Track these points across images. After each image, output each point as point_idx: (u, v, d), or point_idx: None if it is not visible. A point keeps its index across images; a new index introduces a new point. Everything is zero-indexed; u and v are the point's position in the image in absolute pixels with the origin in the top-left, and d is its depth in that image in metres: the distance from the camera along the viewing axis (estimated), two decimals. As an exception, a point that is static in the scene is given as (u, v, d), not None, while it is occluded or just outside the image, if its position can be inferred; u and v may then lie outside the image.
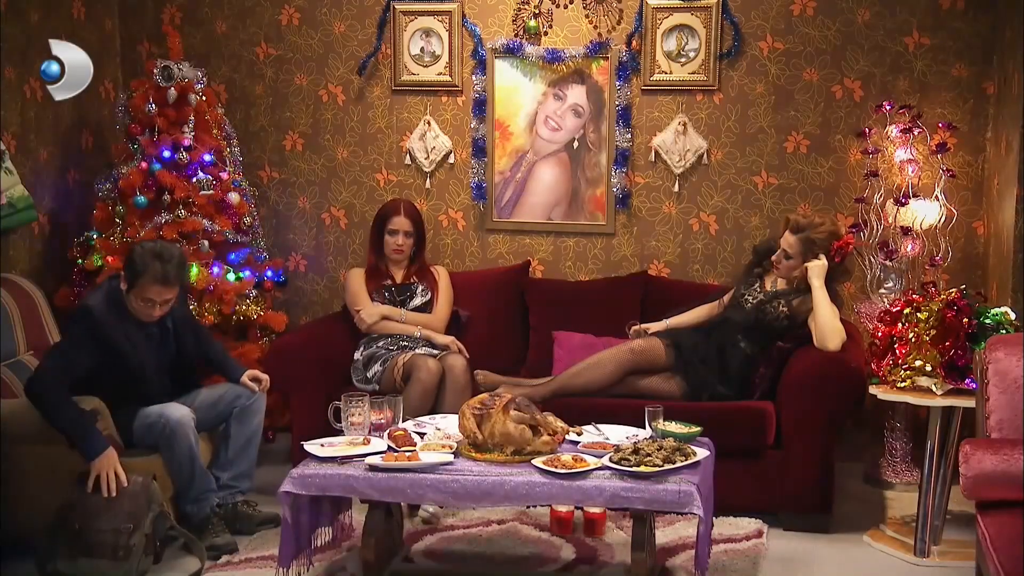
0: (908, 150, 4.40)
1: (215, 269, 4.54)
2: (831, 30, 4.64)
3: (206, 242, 4.53)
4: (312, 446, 3.32)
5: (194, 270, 4.43)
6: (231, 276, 4.59)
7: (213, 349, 4.05)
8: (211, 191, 4.57)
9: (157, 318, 3.70)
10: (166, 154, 4.50)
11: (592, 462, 3.18)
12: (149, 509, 3.45)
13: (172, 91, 4.53)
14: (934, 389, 3.65)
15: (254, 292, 4.69)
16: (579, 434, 3.44)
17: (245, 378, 3.92)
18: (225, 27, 5.13)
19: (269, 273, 4.84)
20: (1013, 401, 3.02)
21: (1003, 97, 4.34)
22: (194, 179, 4.54)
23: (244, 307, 4.60)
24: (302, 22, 5.08)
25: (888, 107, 4.46)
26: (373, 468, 3.19)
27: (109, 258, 4.42)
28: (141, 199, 4.46)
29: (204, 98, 4.68)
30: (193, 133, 4.59)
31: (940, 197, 4.38)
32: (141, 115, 4.56)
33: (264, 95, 5.16)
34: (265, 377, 3.95)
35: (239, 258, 4.70)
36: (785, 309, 4.15)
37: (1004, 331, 3.56)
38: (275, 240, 5.15)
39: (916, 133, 4.39)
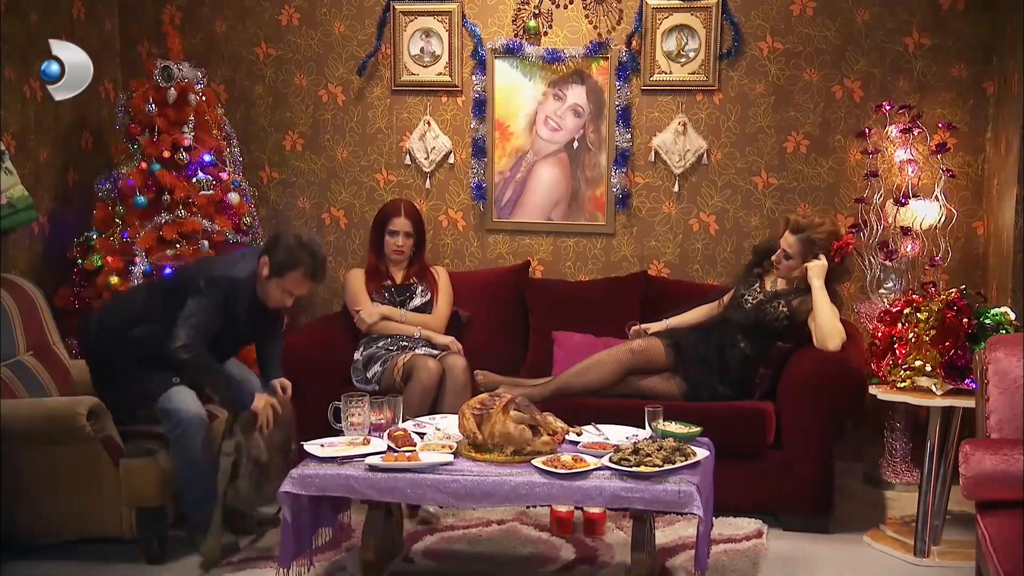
0: (908, 150, 4.40)
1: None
2: (831, 30, 4.64)
3: (206, 242, 4.53)
4: (312, 446, 3.32)
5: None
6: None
7: (276, 342, 4.06)
8: (211, 191, 4.57)
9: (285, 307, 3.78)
10: (166, 154, 4.50)
11: (592, 462, 3.19)
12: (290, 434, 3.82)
13: (172, 91, 4.53)
14: (934, 389, 3.65)
15: (254, 292, 4.68)
16: (579, 434, 3.44)
17: (276, 383, 3.94)
18: (225, 27, 5.13)
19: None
20: (1013, 401, 3.02)
21: (1003, 97, 4.35)
22: (194, 179, 4.54)
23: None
24: (302, 22, 5.08)
25: (888, 107, 4.46)
26: (373, 468, 3.19)
27: (109, 258, 4.42)
28: (141, 199, 4.47)
29: (204, 98, 4.68)
30: (193, 133, 4.59)
31: (940, 197, 4.38)
32: (141, 115, 4.56)
33: (264, 95, 5.16)
34: (289, 385, 3.96)
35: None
36: (785, 309, 4.15)
37: (1004, 331, 3.56)
38: (275, 240, 5.14)
39: (916, 133, 4.39)
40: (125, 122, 4.66)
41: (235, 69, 5.15)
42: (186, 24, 5.10)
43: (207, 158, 4.60)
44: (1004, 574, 2.43)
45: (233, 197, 4.65)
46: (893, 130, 4.44)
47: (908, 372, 3.72)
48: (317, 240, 3.83)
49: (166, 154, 4.51)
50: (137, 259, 4.40)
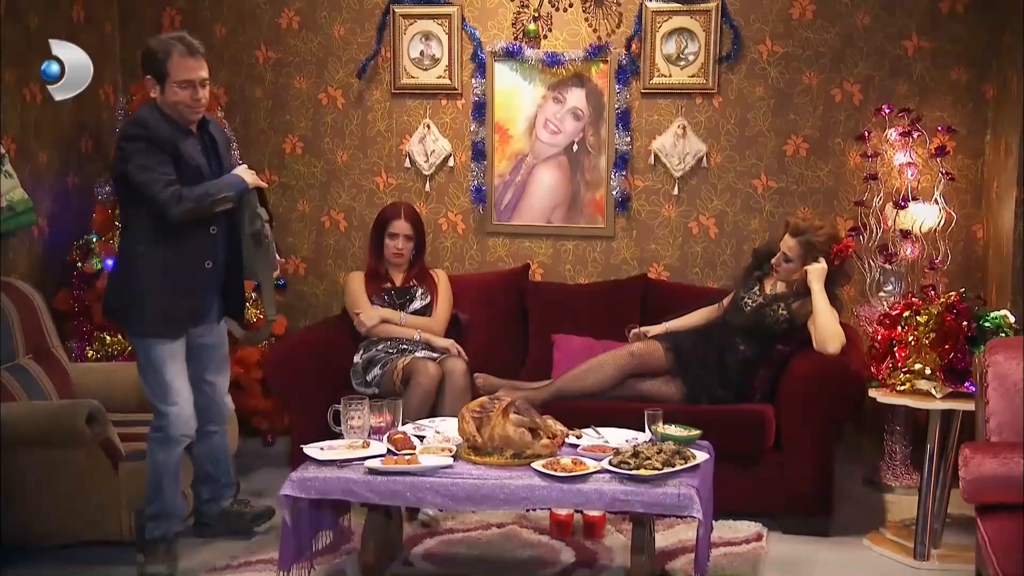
0: (907, 153, 4.41)
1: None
2: (830, 33, 4.64)
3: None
4: (311, 449, 3.32)
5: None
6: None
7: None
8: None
9: (202, 106, 3.53)
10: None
11: (592, 465, 3.18)
12: None
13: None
14: (934, 392, 3.65)
15: (253, 295, 4.68)
16: (579, 437, 3.44)
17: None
18: (224, 30, 5.14)
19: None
20: (1013, 404, 3.02)
21: (1002, 100, 4.35)
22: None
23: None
24: (302, 25, 5.09)
25: (887, 110, 4.47)
26: (372, 471, 3.19)
27: (108, 260, 4.42)
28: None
29: (204, 101, 4.68)
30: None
31: (939, 200, 4.38)
32: (141, 118, 4.56)
33: (264, 98, 5.16)
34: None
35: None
36: (785, 312, 4.15)
37: (1004, 334, 3.57)
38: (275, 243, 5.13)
39: (915, 136, 4.40)
40: (125, 125, 4.67)
41: (235, 72, 5.16)
42: (186, 27, 5.08)
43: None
44: (1004, 577, 2.43)
45: (233, 200, 4.64)
46: (892, 133, 4.45)
47: (908, 375, 3.72)
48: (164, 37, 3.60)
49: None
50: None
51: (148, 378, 3.56)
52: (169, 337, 3.55)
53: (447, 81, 4.99)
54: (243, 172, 3.63)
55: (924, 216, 4.36)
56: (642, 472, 3.10)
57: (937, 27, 4.54)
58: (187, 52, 3.44)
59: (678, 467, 3.14)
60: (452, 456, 3.28)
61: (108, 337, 4.38)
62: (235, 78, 5.15)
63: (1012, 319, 3.65)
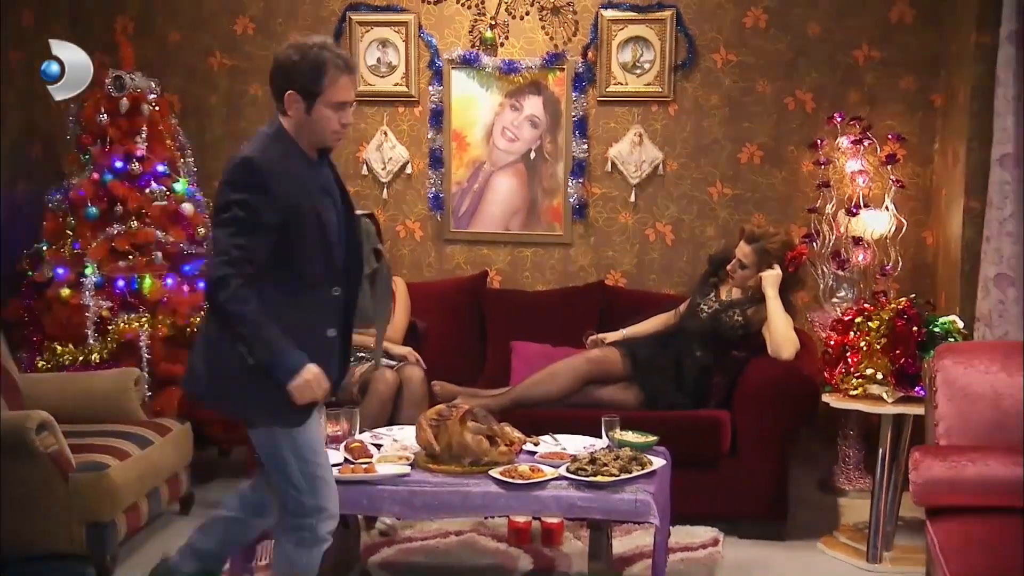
0: (859, 161, 4.47)
1: (169, 281, 4.49)
2: (783, 43, 4.70)
3: (160, 253, 4.49)
4: (267, 459, 3.28)
5: (147, 282, 4.39)
6: (186, 288, 4.54)
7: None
8: (164, 202, 4.53)
9: (343, 134, 2.85)
10: (118, 165, 4.46)
11: (549, 472, 3.18)
12: None
13: (124, 101, 4.49)
14: (885, 397, 3.70)
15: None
16: (536, 444, 3.44)
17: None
18: (179, 37, 5.09)
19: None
20: (961, 409, 3.06)
21: (950, 109, 4.43)
22: (147, 190, 4.50)
23: (199, 319, 4.55)
24: (257, 32, 5.06)
25: (839, 119, 4.53)
26: (329, 481, 3.16)
27: (60, 269, 4.36)
28: (92, 210, 4.42)
29: (157, 108, 4.64)
30: (146, 143, 4.55)
31: (890, 207, 4.45)
32: (93, 125, 4.51)
33: (219, 105, 5.13)
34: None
35: (194, 269, 4.65)
36: (740, 318, 4.19)
37: (952, 339, 3.63)
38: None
39: (866, 144, 4.46)
40: (76, 132, 4.61)
41: (189, 79, 5.11)
42: (139, 34, 5.06)
43: (160, 168, 4.56)
44: (952, 579, 2.47)
45: (187, 208, 4.60)
46: (844, 141, 4.51)
47: (860, 380, 3.77)
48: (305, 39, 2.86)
49: (118, 164, 4.46)
50: (88, 270, 4.34)
51: (283, 470, 2.82)
52: (299, 423, 2.79)
53: (404, 88, 4.99)
54: (309, 372, 2.71)
55: (875, 223, 4.43)
56: (599, 479, 3.11)
57: (886, 37, 4.61)
58: (345, 68, 2.76)
59: (635, 473, 3.15)
60: (410, 464, 3.27)
61: (59, 347, 4.32)
62: (189, 85, 5.11)
63: (960, 324, 3.72)
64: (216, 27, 5.09)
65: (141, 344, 4.31)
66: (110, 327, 4.33)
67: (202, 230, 4.70)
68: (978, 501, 2.80)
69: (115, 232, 4.43)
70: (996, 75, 3.71)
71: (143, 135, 4.55)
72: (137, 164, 4.49)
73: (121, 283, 4.38)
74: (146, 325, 4.35)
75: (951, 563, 2.53)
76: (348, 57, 2.81)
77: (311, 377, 2.69)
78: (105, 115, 4.48)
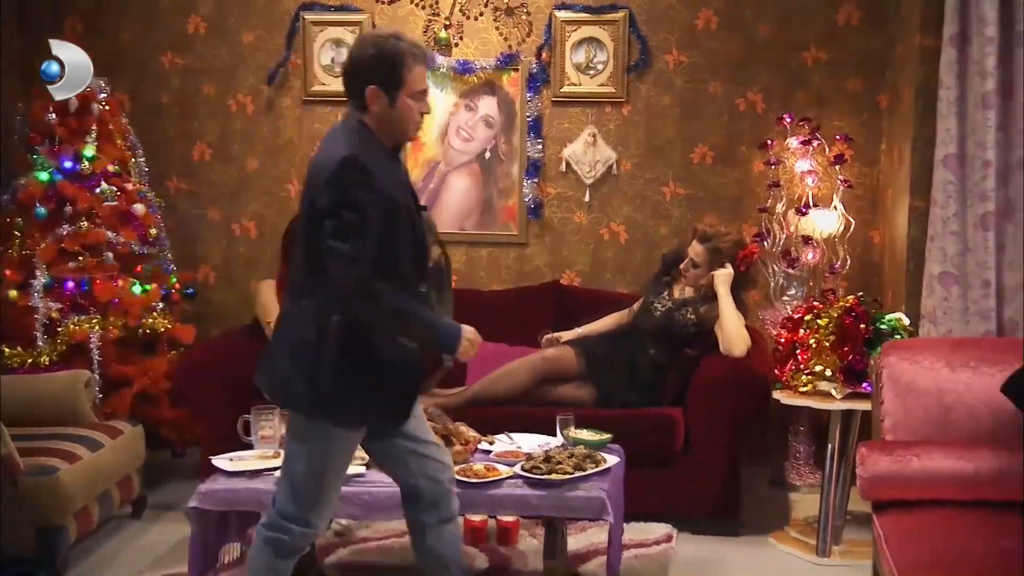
0: (808, 161, 4.52)
1: (120, 282, 4.44)
2: (733, 44, 4.75)
3: (110, 254, 4.44)
4: (220, 461, 3.27)
5: (98, 283, 4.34)
6: (137, 288, 4.49)
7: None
8: (115, 202, 4.48)
9: (421, 124, 2.81)
10: (67, 164, 4.40)
11: (504, 471, 3.20)
12: None
13: (73, 100, 4.42)
14: (834, 393, 3.76)
15: (161, 305, 4.60)
16: (491, 443, 3.46)
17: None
18: (129, 36, 5.03)
19: (177, 285, 4.76)
20: (906, 404, 3.12)
21: (895, 110, 4.51)
22: (97, 190, 4.44)
23: (151, 320, 4.51)
24: (209, 31, 5.01)
25: (788, 119, 4.59)
26: (283, 482, 3.15)
27: (7, 271, 4.29)
28: (41, 210, 4.36)
29: (107, 108, 4.58)
30: (96, 143, 4.49)
31: (838, 207, 4.51)
32: (41, 125, 4.45)
33: (170, 105, 5.08)
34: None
35: (145, 270, 4.61)
36: (693, 317, 4.23)
37: (899, 336, 3.69)
38: (183, 252, 5.06)
39: (815, 145, 4.52)
40: (24, 132, 4.54)
41: (140, 78, 5.05)
42: (89, 33, 4.98)
43: (111, 168, 4.51)
44: (897, 570, 2.51)
45: (139, 208, 4.56)
46: (794, 142, 4.56)
47: (809, 377, 3.83)
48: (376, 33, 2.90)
49: (68, 164, 4.41)
50: (38, 272, 4.28)
51: (303, 473, 2.76)
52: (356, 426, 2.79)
53: (359, 88, 4.97)
54: (467, 332, 2.79)
55: (824, 222, 4.48)
56: (554, 477, 3.13)
57: (834, 39, 4.68)
58: (421, 58, 2.72)
59: (589, 471, 3.17)
60: (365, 465, 3.26)
61: (7, 349, 4.25)
62: (140, 84, 5.05)
63: (906, 321, 3.79)
64: (167, 26, 5.03)
65: (92, 346, 4.26)
66: (60, 329, 4.27)
67: (154, 230, 4.66)
68: (922, 494, 2.86)
69: (64, 233, 4.37)
70: (939, 77, 3.77)
71: (93, 135, 4.49)
72: (87, 164, 4.44)
73: (71, 284, 4.32)
74: (97, 327, 4.30)
75: (896, 555, 2.58)
76: (422, 45, 2.78)
77: (471, 336, 2.76)
78: (54, 114, 4.42)
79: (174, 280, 4.73)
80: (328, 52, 4.95)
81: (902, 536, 2.69)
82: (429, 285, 2.81)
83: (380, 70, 2.65)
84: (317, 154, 2.71)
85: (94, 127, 4.50)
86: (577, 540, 3.77)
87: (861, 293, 3.99)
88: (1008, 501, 2.77)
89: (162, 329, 4.54)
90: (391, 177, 2.68)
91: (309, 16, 4.93)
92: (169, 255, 4.79)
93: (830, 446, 3.84)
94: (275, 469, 3.20)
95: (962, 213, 3.77)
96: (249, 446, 3.41)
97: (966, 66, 3.72)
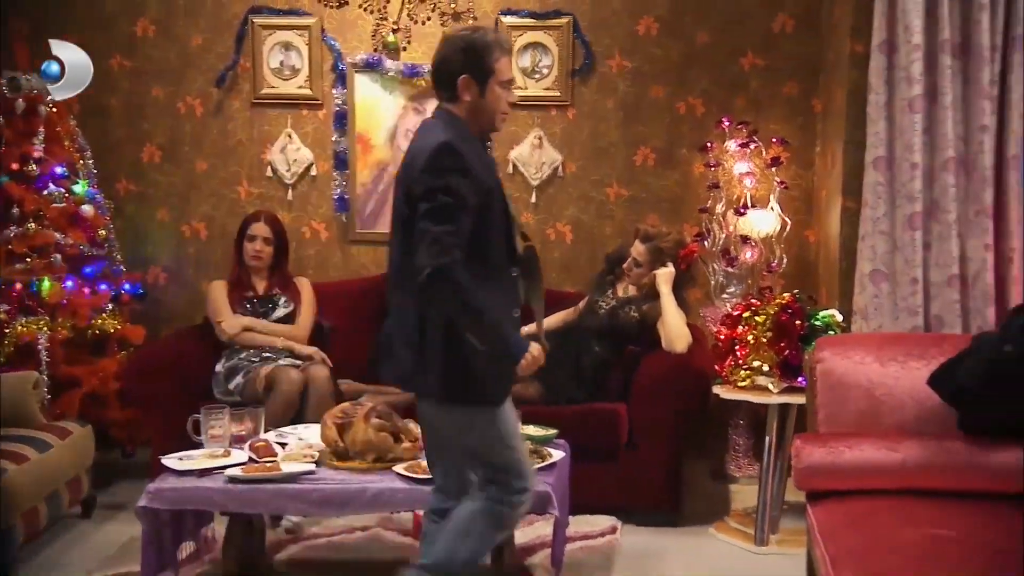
0: (746, 163, 4.57)
1: (69, 283, 4.36)
2: (674, 50, 4.79)
3: (59, 256, 4.35)
4: (170, 460, 3.23)
5: (46, 284, 4.25)
6: (86, 290, 4.41)
7: None
8: (63, 204, 4.39)
9: (509, 114, 2.88)
10: (14, 167, 4.31)
11: (452, 467, 3.19)
12: None
13: (20, 102, 4.33)
14: (771, 388, 3.81)
15: (111, 306, 4.52)
16: (440, 440, 3.45)
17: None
18: (77, 39, 4.91)
19: (127, 286, 4.68)
20: (839, 398, 3.16)
21: (828, 114, 4.58)
22: (45, 192, 4.35)
23: (100, 321, 4.43)
24: (158, 34, 4.94)
25: (727, 123, 4.64)
26: (233, 480, 3.12)
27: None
28: (-12, 212, 4.27)
29: (55, 110, 4.49)
30: (44, 145, 4.40)
31: (775, 207, 4.57)
32: (-13, 127, 4.36)
33: (119, 107, 4.99)
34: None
35: (94, 271, 4.53)
36: (636, 315, 4.26)
37: (832, 332, 3.75)
38: (133, 253, 4.98)
39: (752, 147, 4.57)
40: (-30, 134, 4.44)
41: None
42: (35, 35, 4.87)
43: (59, 170, 4.43)
44: (829, 558, 2.55)
45: (87, 209, 4.48)
46: (732, 144, 4.61)
47: (748, 372, 3.88)
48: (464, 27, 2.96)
49: (14, 166, 4.32)
50: (-15, 274, 4.19)
51: (499, 451, 2.79)
52: (502, 401, 2.80)
53: (308, 91, 4.93)
54: (533, 350, 2.74)
55: (762, 222, 4.53)
56: (500, 472, 3.13)
57: (770, 45, 4.74)
58: (508, 49, 2.82)
59: (535, 466, 3.18)
60: (315, 462, 3.24)
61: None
62: (88, 86, 4.93)
63: (839, 318, 3.85)
64: (115, 29, 4.95)
65: (40, 347, 4.18)
66: (7, 331, 4.18)
67: (103, 232, 4.58)
68: (854, 484, 2.90)
69: (12, 234, 4.28)
70: (869, 82, 3.84)
71: (40, 137, 4.40)
72: (34, 166, 4.35)
73: (19, 286, 4.23)
74: (45, 328, 4.21)
75: (828, 543, 2.62)
76: (506, 38, 2.86)
77: (536, 353, 2.73)
78: (0, 116, 4.32)
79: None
80: (277, 55, 4.91)
81: (834, 524, 2.73)
82: (519, 271, 2.81)
83: (470, 60, 2.71)
84: (412, 144, 2.77)
85: (41, 129, 4.41)
86: (524, 533, 3.78)
87: (797, 291, 4.05)
88: (934, 489, 2.82)
89: (112, 330, 4.47)
90: (486, 165, 2.75)
91: (258, 20, 4.88)
92: (118, 256, 4.72)
93: (767, 439, 3.89)
94: (225, 467, 3.17)
95: (891, 213, 3.84)
96: (199, 445, 3.36)
97: (894, 72, 3.79)
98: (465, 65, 2.71)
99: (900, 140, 3.78)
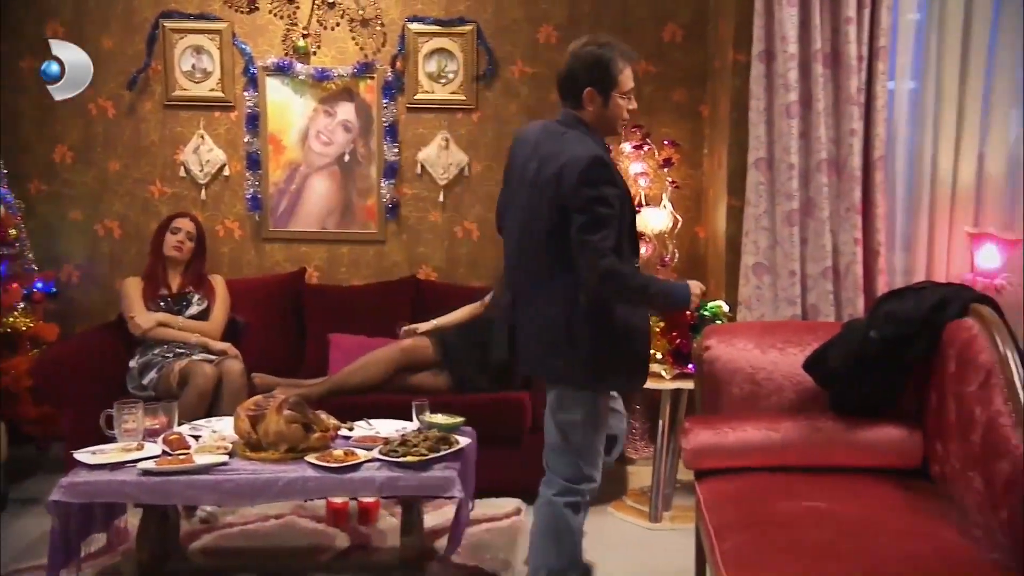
0: (640, 164, 4.66)
1: (-21, 283, 4.22)
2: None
3: (-31, 256, 4.21)
4: (82, 454, 3.15)
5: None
6: (-3, 289, 4.28)
7: None
8: (-28, 204, 4.25)
9: (628, 121, 2.99)
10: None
11: (363, 455, 3.20)
12: None
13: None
14: (664, 375, 3.91)
15: (22, 304, 4.38)
16: (351, 429, 3.45)
17: None
18: (-14, 40, 4.78)
19: (39, 285, 4.54)
20: (724, 382, 3.23)
21: (714, 119, 4.69)
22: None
23: (12, 319, 4.30)
24: (68, 36, 4.78)
25: (623, 126, 4.71)
26: (146, 472, 3.07)
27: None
28: None
29: (-38, 111, 4.34)
30: (-49, 146, 4.25)
31: (667, 205, 4.66)
32: None
33: (30, 108, 4.83)
34: None
35: (4, 270, 4.39)
36: (539, 307, 4.30)
37: (720, 321, 3.85)
38: (47, 252, 4.83)
39: (646, 149, 4.65)
40: None
41: (-3, 82, 4.80)
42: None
43: (-32, 172, 4.28)
44: (713, 529, 2.63)
45: (-3, 209, 4.34)
46: (627, 146, 4.68)
47: (643, 359, 3.94)
48: (592, 39, 2.93)
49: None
50: None
51: (582, 437, 2.93)
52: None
53: (220, 94, 4.85)
54: (694, 289, 2.97)
55: (656, 220, 4.61)
56: (409, 459, 3.14)
57: (661, 54, 4.83)
58: (631, 59, 2.92)
59: (443, 452, 3.20)
60: (228, 454, 3.21)
61: None
62: (-2, 87, 4.80)
63: (726, 308, 3.95)
64: (25, 31, 4.79)
65: (-49, 346, 4.04)
66: (-84, 330, 4.03)
67: (13, 231, 4.43)
68: (737, 463, 2.97)
69: (-82, 235, 4.13)
70: (750, 89, 3.95)
71: (-52, 138, 4.25)
72: (-57, 166, 4.20)
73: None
74: (-45, 327, 4.07)
75: (712, 517, 2.70)
76: (629, 49, 2.93)
77: (696, 289, 2.96)
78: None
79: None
80: (189, 59, 4.81)
81: (719, 500, 2.81)
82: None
83: (596, 75, 2.83)
84: (541, 148, 2.85)
85: (-51, 130, 4.26)
86: (433, 517, 3.81)
87: (687, 283, 4.14)
88: (809, 466, 2.92)
89: (24, 328, 4.33)
90: (618, 170, 2.88)
91: (169, 24, 4.78)
92: (30, 255, 4.57)
93: (661, 422, 3.98)
94: (138, 461, 3.12)
95: (771, 211, 3.96)
96: (113, 440, 3.30)
97: (772, 80, 3.91)
98: (591, 79, 2.83)
99: (778, 143, 3.90)
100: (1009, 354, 2.54)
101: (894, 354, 2.90)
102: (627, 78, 2.88)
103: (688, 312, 3.31)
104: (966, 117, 3.94)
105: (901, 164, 4.06)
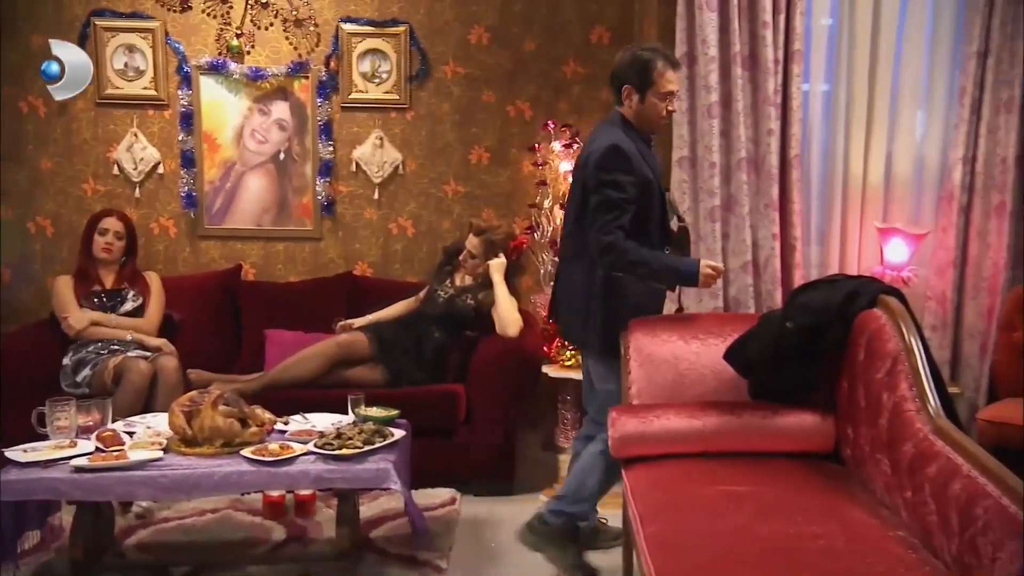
0: (569, 162, 4.68)
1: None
2: (503, 58, 4.86)
3: None
4: (14, 453, 3.06)
5: None
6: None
7: None
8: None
9: (668, 120, 3.28)
10: None
11: (298, 448, 3.15)
12: None
13: None
14: (592, 365, 3.92)
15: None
16: (286, 424, 3.41)
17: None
18: (-89, 35, 4.60)
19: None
20: (649, 373, 3.27)
21: (641, 119, 4.74)
22: None
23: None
24: (-3, 33, 4.65)
25: (552, 125, 4.74)
26: (79, 469, 2.99)
27: None
28: None
29: None
30: None
31: (596, 203, 4.69)
32: None
33: (-42, 106, 4.68)
34: None
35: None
36: (472, 302, 4.31)
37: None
38: (-24, 250, 4.69)
39: (575, 148, 4.68)
40: None
41: (-75, 78, 4.63)
42: None
43: None
44: (638, 515, 2.65)
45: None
46: (557, 145, 4.71)
47: (573, 352, 3.97)
48: (640, 44, 3.27)
49: None
50: None
51: (611, 397, 3.29)
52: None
53: (153, 92, 4.75)
54: (703, 267, 3.14)
55: (585, 216, 4.65)
56: (344, 451, 3.11)
57: (588, 55, 4.86)
58: (671, 64, 3.15)
59: (377, 444, 3.18)
60: (162, 449, 3.14)
61: None
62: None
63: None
64: (-47, 27, 4.64)
65: None
66: None
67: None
68: (662, 450, 3.00)
69: None
70: (674, 91, 4.00)
71: None
72: None
73: None
74: None
75: (638, 502, 2.73)
76: (672, 55, 3.19)
77: (707, 270, 3.11)
78: None
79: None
80: (121, 57, 4.70)
81: (645, 486, 2.83)
82: (672, 248, 3.21)
83: (634, 73, 3.12)
84: (590, 139, 3.21)
85: None
86: (370, 508, 3.79)
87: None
88: (729, 452, 2.98)
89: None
90: (647, 161, 3.12)
91: (100, 22, 4.66)
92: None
93: (590, 411, 4.00)
94: (71, 458, 3.04)
95: (695, 207, 4.02)
96: (46, 438, 3.20)
97: (694, 81, 3.97)
98: (629, 76, 3.13)
99: (701, 142, 3.96)
100: (914, 343, 2.62)
101: (809, 343, 2.96)
102: (666, 80, 3.11)
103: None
104: (875, 118, 4.05)
105: (815, 162, 4.15)
